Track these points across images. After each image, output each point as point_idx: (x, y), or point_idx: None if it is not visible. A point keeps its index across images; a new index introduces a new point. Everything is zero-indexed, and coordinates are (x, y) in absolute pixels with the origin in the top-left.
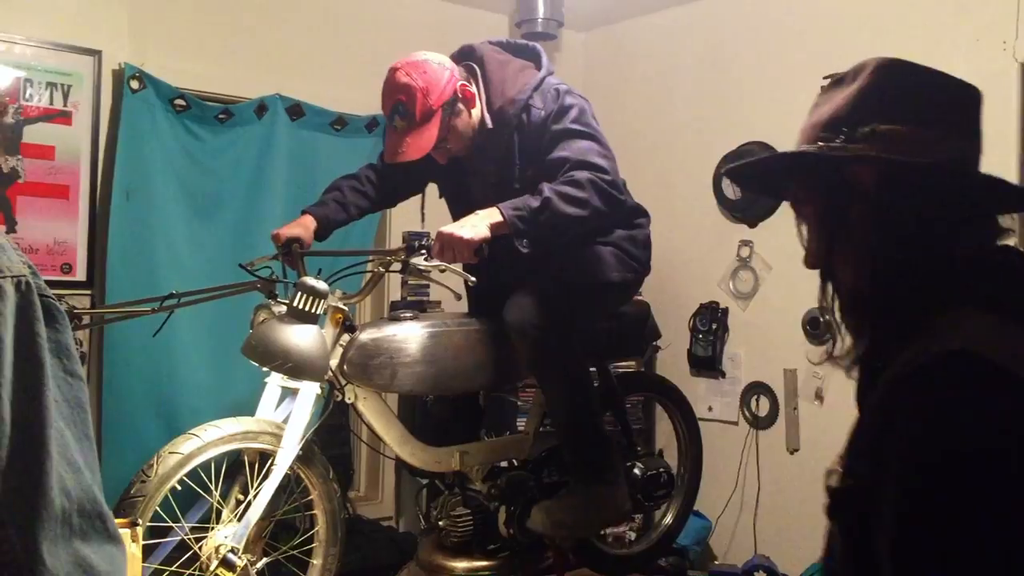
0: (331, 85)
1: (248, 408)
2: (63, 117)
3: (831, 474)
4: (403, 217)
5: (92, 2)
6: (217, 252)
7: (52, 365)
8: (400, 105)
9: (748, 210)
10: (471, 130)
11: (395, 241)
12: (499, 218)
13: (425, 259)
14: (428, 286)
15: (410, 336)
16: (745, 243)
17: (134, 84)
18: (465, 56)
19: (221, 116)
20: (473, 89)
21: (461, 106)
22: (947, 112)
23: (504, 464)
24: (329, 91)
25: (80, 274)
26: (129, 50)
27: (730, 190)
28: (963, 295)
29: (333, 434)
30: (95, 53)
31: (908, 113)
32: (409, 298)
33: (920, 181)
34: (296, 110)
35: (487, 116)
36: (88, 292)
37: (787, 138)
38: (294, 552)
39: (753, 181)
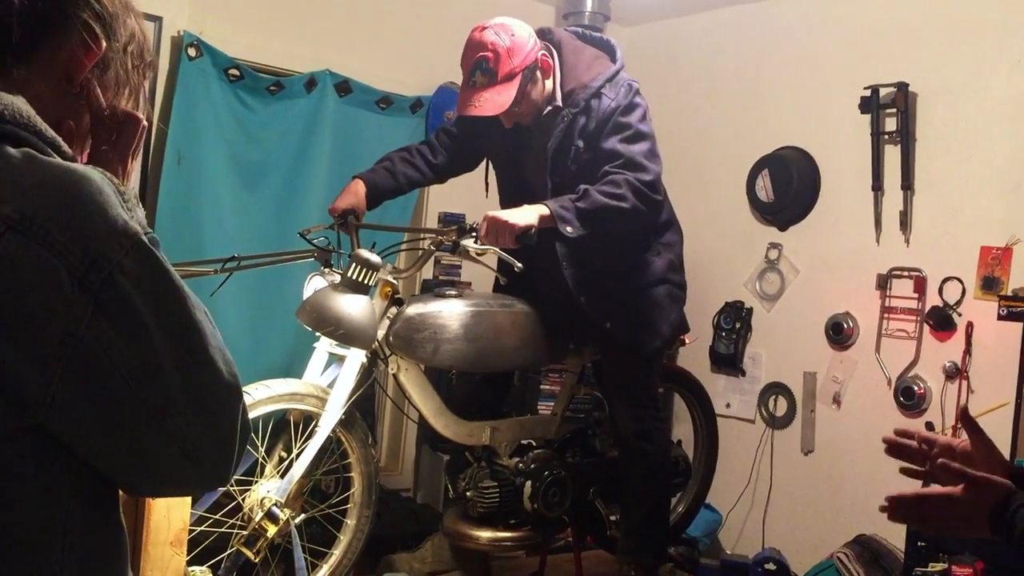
0: (379, 64)
1: (281, 371)
2: None
3: None
4: (440, 198)
5: None
6: (260, 219)
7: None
8: (484, 61)
9: (779, 213)
10: (542, 101)
11: (431, 220)
12: (545, 210)
13: (475, 242)
14: (460, 266)
15: (454, 313)
16: (774, 246)
17: (191, 52)
18: (543, 36)
19: (272, 88)
20: (551, 61)
21: (539, 75)
22: None
23: (530, 442)
24: (377, 70)
25: None
26: (188, 18)
27: (763, 192)
28: None
29: (357, 404)
30: (156, 19)
31: None
32: (440, 277)
33: None
34: (344, 87)
35: (558, 94)
36: None
37: (822, 144)
38: (330, 511)
39: None
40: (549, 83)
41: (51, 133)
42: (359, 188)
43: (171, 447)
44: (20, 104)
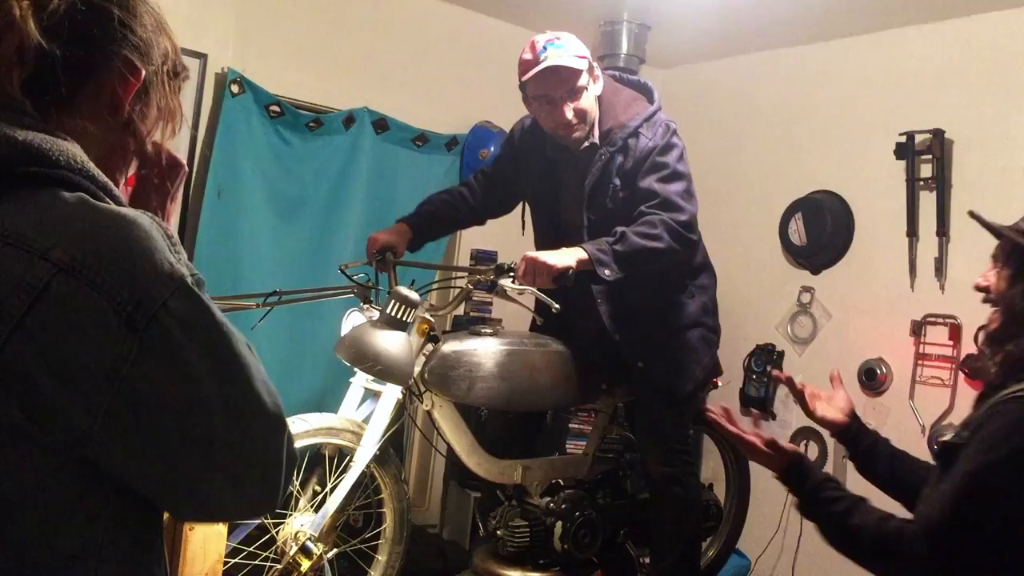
0: (415, 102)
1: (314, 405)
2: None
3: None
4: (472, 234)
5: (202, 7)
6: (296, 253)
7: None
8: (555, 41)
9: (812, 257)
10: (590, 110)
11: (463, 257)
12: (583, 254)
13: (512, 282)
14: (491, 303)
15: (489, 351)
16: (807, 289)
17: (234, 88)
18: None
19: (312, 124)
20: (599, 73)
21: (592, 80)
22: None
23: (560, 482)
24: (413, 108)
25: None
26: (232, 55)
27: (796, 236)
28: None
29: (388, 439)
30: (202, 56)
31: None
32: (472, 314)
33: None
34: (381, 124)
35: (596, 132)
36: None
37: (857, 189)
38: (361, 546)
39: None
40: (597, 96)
41: (103, 178)
42: (403, 229)
43: (215, 474)
44: (75, 150)
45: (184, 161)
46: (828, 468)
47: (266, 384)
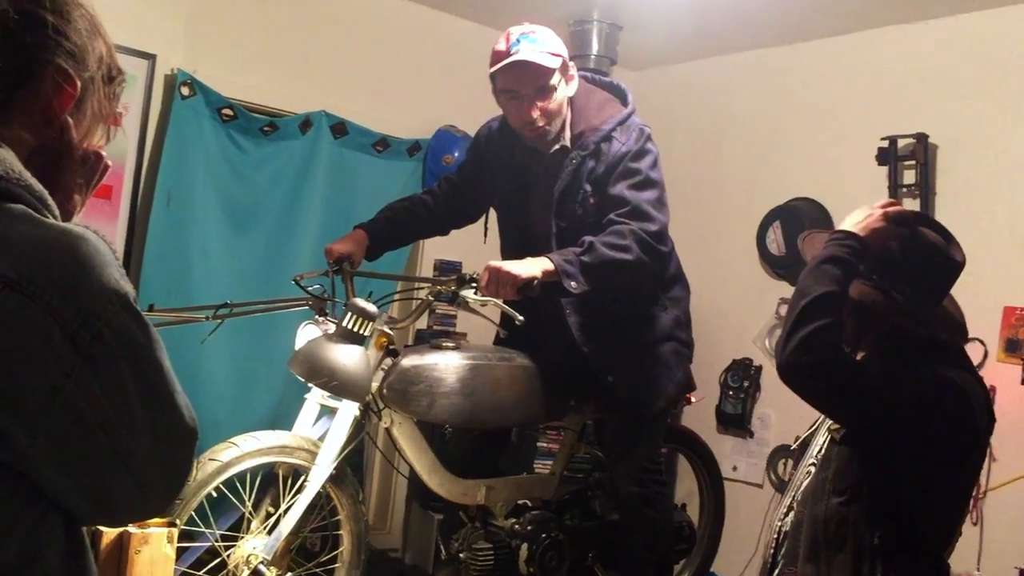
0: (376, 106)
1: (268, 423)
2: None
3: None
4: (435, 244)
5: (151, 7)
6: (250, 263)
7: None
8: (529, 35)
9: (791, 267)
10: (558, 111)
11: (426, 267)
12: (549, 264)
13: (475, 293)
14: (455, 316)
15: (451, 366)
16: (785, 301)
17: (184, 91)
18: None
19: (266, 129)
20: (573, 73)
21: (565, 80)
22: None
23: (527, 502)
24: (373, 112)
25: None
26: (183, 56)
27: (774, 245)
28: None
29: (346, 458)
30: (150, 57)
31: (930, 292)
32: (435, 327)
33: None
34: (340, 128)
35: (567, 134)
36: None
37: (837, 196)
38: (317, 571)
39: None
40: (567, 107)
41: (40, 188)
42: (360, 237)
43: (128, 483)
44: (11, 158)
45: (105, 155)
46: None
47: (183, 397)
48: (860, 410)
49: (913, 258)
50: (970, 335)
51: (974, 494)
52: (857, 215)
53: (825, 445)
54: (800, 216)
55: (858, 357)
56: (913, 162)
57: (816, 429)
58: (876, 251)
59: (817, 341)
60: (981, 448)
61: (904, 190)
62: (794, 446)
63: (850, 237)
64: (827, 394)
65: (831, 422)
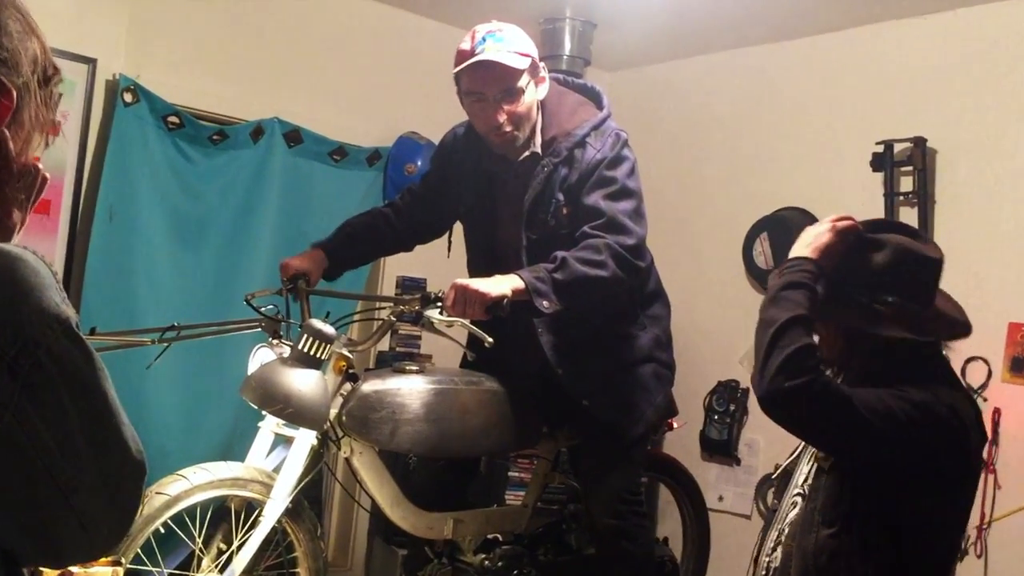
0: (333, 112)
1: (221, 453)
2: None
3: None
4: (398, 260)
5: (91, 8)
6: (200, 282)
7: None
8: (496, 33)
9: None
10: (527, 115)
11: (388, 286)
12: (519, 282)
13: (440, 312)
14: (420, 338)
15: (415, 391)
16: None
17: (127, 97)
18: None
19: (215, 137)
20: (544, 75)
21: (535, 82)
22: (928, 286)
23: (497, 537)
24: (330, 118)
25: None
26: (125, 61)
27: (761, 258)
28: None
29: (304, 491)
30: (90, 61)
31: (911, 291)
32: (398, 349)
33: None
34: (294, 136)
35: (537, 139)
36: None
37: (829, 205)
38: None
39: None
40: (536, 110)
41: None
42: (318, 256)
43: (72, 521)
44: None
45: (42, 167)
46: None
47: (130, 428)
48: (850, 435)
49: (887, 266)
50: (973, 354)
51: (978, 524)
52: (807, 236)
53: (812, 474)
54: (789, 227)
55: (839, 379)
56: (910, 168)
57: (798, 456)
58: (833, 268)
59: (796, 365)
60: (976, 469)
61: (901, 198)
62: (775, 475)
63: (804, 261)
64: (815, 420)
65: (817, 450)
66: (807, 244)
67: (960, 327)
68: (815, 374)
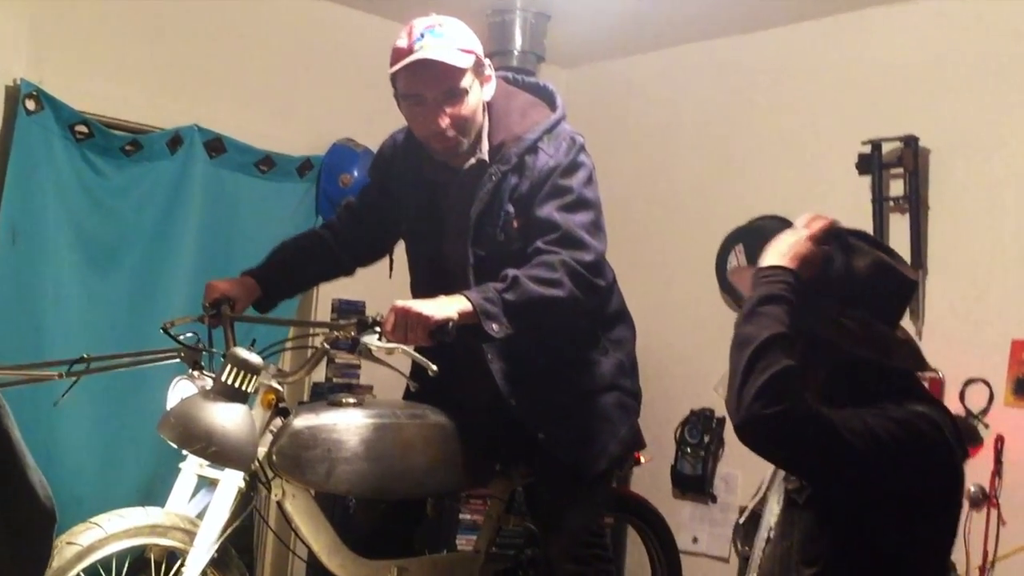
0: (259, 118)
1: (139, 498)
2: None
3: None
4: (333, 283)
5: None
6: (113, 310)
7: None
8: (435, 29)
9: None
10: (473, 118)
11: (323, 310)
12: (466, 304)
13: (379, 338)
14: (359, 367)
15: (352, 426)
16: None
17: (30, 104)
18: None
19: (128, 148)
20: (491, 73)
21: (480, 81)
22: (900, 307)
23: None
24: (256, 125)
25: None
26: (27, 64)
27: None
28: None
29: (232, 539)
30: None
31: (883, 310)
32: (335, 380)
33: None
34: (216, 145)
35: (484, 146)
36: None
37: (810, 212)
38: None
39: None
40: (482, 112)
41: None
42: (250, 285)
43: None
44: None
45: None
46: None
47: (37, 473)
48: (834, 463)
49: (863, 277)
50: (973, 375)
51: (981, 564)
52: (781, 244)
53: (782, 510)
54: (767, 238)
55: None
56: (901, 170)
57: (766, 495)
58: (810, 278)
59: (776, 389)
60: (961, 487)
61: (891, 204)
62: (743, 519)
63: (780, 271)
64: (797, 449)
65: (787, 482)
66: (783, 253)
67: (923, 362)
68: (797, 399)
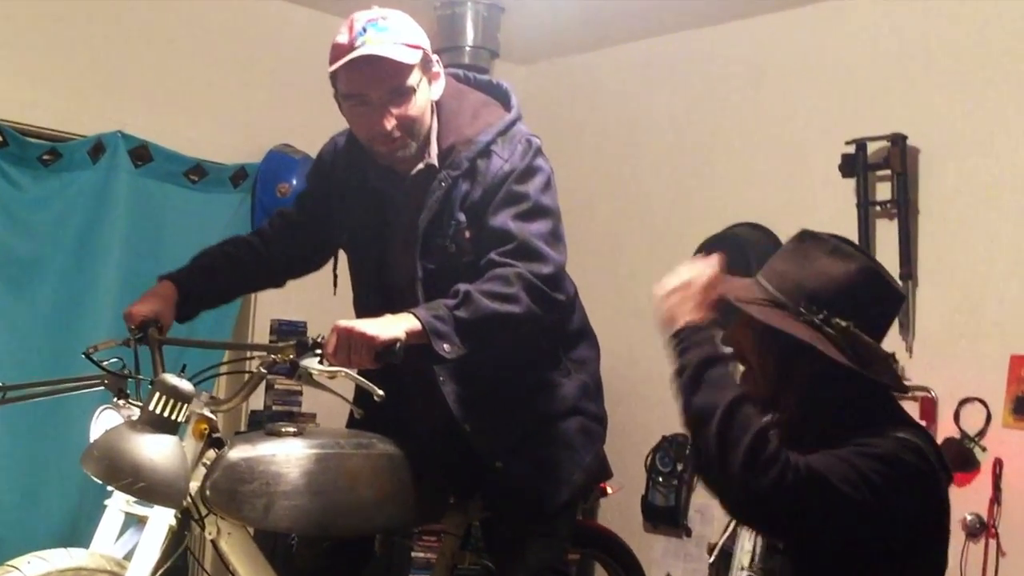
0: (188, 123)
1: (63, 539)
2: None
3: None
4: (271, 300)
5: None
6: (30, 333)
7: None
8: (379, 22)
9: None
10: (421, 119)
11: (260, 331)
12: (414, 323)
13: (320, 362)
14: (300, 393)
15: (292, 458)
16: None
17: None
18: None
19: (46, 157)
20: (439, 70)
21: (428, 79)
22: (888, 321)
23: None
24: (185, 131)
25: None
26: None
27: None
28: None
29: None
30: None
31: (869, 320)
32: (275, 407)
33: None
34: (142, 153)
35: (433, 149)
36: None
37: (790, 219)
38: None
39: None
40: (430, 113)
41: None
42: (167, 292)
43: None
44: None
45: None
46: None
47: None
48: (832, 518)
49: (851, 283)
50: (969, 394)
51: None
52: (674, 301)
53: (759, 554)
54: (744, 248)
55: (768, 417)
56: (888, 172)
57: (735, 530)
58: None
59: (760, 457)
60: (947, 513)
61: (877, 208)
62: (712, 559)
63: (697, 330)
64: (799, 513)
65: None
66: (687, 308)
67: (901, 383)
68: (782, 458)
